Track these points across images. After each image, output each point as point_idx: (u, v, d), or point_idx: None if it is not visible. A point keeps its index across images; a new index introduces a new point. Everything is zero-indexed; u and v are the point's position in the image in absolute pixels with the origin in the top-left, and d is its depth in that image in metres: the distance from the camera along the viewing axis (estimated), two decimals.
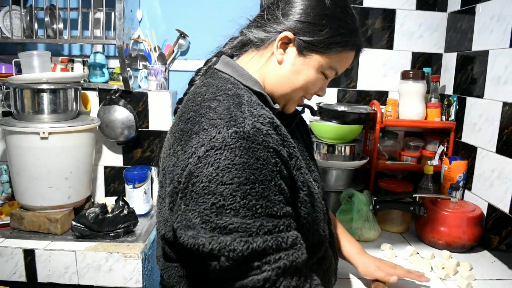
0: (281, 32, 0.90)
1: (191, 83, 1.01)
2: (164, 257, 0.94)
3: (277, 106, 0.95)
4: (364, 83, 1.97)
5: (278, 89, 0.95)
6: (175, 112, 0.99)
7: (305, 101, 1.06)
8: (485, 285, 1.30)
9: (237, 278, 0.73)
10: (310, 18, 0.89)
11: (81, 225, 1.60)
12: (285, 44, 0.91)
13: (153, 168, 1.97)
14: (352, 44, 0.94)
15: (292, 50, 0.91)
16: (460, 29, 1.80)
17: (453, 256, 1.47)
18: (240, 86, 0.90)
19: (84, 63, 1.93)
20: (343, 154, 1.78)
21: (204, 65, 1.03)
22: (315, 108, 1.75)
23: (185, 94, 1.00)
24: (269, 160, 0.76)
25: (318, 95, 1.02)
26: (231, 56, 1.00)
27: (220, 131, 0.75)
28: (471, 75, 1.70)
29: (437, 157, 1.89)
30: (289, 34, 0.90)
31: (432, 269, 1.40)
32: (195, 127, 0.79)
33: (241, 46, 0.99)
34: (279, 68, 0.93)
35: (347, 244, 1.27)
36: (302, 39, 0.89)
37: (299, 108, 1.11)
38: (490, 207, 1.55)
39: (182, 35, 1.97)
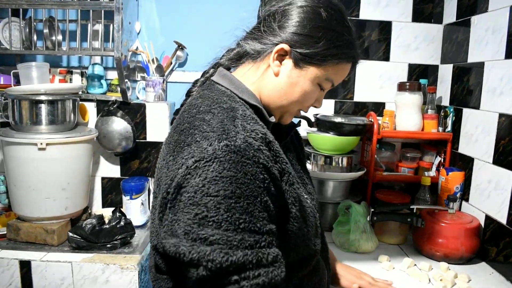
0: (277, 44, 0.90)
1: (188, 94, 1.02)
2: (155, 268, 0.93)
3: (272, 119, 0.95)
4: (361, 94, 1.98)
5: (274, 101, 0.95)
6: (171, 123, 0.99)
7: (302, 113, 1.06)
8: None
9: None
10: (306, 30, 0.89)
11: (78, 236, 1.60)
12: (281, 56, 0.92)
13: (150, 179, 1.97)
14: (348, 56, 0.94)
15: (288, 62, 0.91)
16: (455, 41, 1.82)
17: (451, 268, 1.46)
18: (235, 99, 0.90)
19: (82, 74, 1.95)
20: (340, 165, 1.78)
21: (201, 76, 1.03)
22: (312, 119, 1.76)
23: (182, 105, 1.00)
24: (257, 175, 0.76)
25: (315, 107, 1.02)
26: (228, 68, 1.01)
27: (211, 144, 0.75)
28: (467, 87, 1.72)
29: (434, 168, 1.89)
30: (286, 47, 0.90)
31: (430, 281, 1.39)
32: (188, 138, 0.80)
33: (237, 58, 0.99)
34: (275, 80, 0.93)
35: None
36: (298, 51, 0.89)
37: (295, 121, 1.11)
38: (488, 218, 1.55)
39: (180, 47, 1.98)
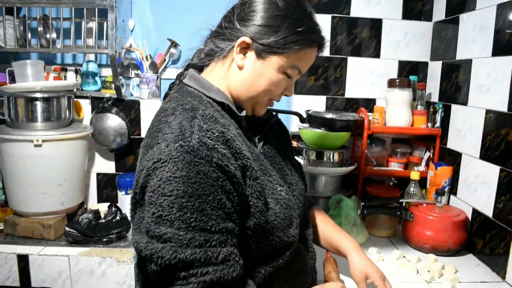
0: (239, 38, 0.92)
1: (165, 98, 1.04)
2: (138, 265, 0.98)
3: (243, 113, 0.97)
4: (352, 91, 2.01)
5: (243, 93, 0.97)
6: None
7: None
8: (470, 287, 1.34)
9: (166, 285, 0.77)
10: (265, 21, 0.91)
11: (74, 231, 1.62)
12: (244, 49, 0.93)
13: None
14: (310, 41, 0.94)
15: (251, 54, 0.93)
16: (444, 38, 1.85)
17: (438, 260, 1.50)
18: (202, 98, 0.93)
19: (76, 71, 1.96)
20: (331, 160, 1.82)
21: (176, 79, 1.06)
22: (304, 115, 1.79)
23: None
24: (210, 174, 0.78)
25: (286, 95, 1.03)
26: (201, 67, 1.03)
27: (168, 145, 0.79)
28: (456, 83, 1.75)
29: (423, 163, 1.93)
30: (247, 39, 0.91)
31: (418, 272, 1.43)
32: (152, 141, 0.84)
33: (206, 57, 1.01)
34: (240, 73, 0.95)
35: (344, 241, 1.21)
36: (259, 42, 0.91)
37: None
38: (475, 211, 1.59)
39: (174, 44, 2.00)
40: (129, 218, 0.99)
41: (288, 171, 1.09)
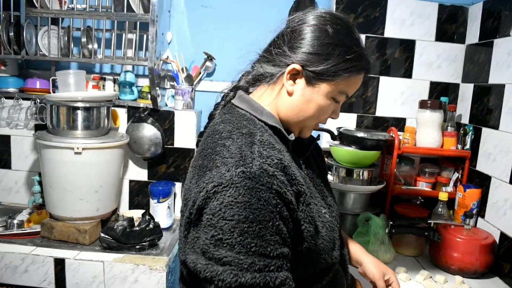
0: (289, 65, 0.94)
1: (211, 117, 1.07)
2: (182, 280, 1.00)
3: (292, 137, 1.00)
4: (383, 109, 2.04)
5: (292, 118, 0.99)
6: (197, 145, 1.04)
7: (326, 126, 1.10)
8: None
9: None
10: (315, 49, 0.92)
11: (109, 237, 1.67)
12: (294, 75, 0.95)
13: (176, 184, 2.05)
14: (359, 68, 0.96)
15: (301, 81, 0.95)
16: (477, 62, 1.87)
17: (465, 282, 1.52)
18: (255, 122, 0.95)
19: (114, 81, 2.03)
20: (361, 178, 1.84)
21: (222, 99, 1.09)
22: (335, 132, 1.82)
23: (205, 128, 1.05)
24: (270, 201, 0.80)
25: (332, 118, 1.05)
26: (246, 90, 1.05)
27: (229, 169, 0.81)
28: (487, 106, 1.77)
29: (451, 184, 1.94)
30: (297, 66, 0.93)
31: None
32: (210, 163, 0.85)
33: (254, 80, 1.03)
34: (290, 99, 0.97)
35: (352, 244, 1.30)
36: (309, 70, 0.93)
37: (316, 135, 1.15)
38: (503, 235, 1.60)
39: (209, 57, 2.05)
40: (179, 235, 1.00)
41: (327, 192, 1.12)
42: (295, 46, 0.94)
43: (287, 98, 0.97)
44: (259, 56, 1.04)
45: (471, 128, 1.83)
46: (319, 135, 1.26)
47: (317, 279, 0.96)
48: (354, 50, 0.94)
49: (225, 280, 0.76)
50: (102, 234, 1.69)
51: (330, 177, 1.86)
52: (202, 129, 2.13)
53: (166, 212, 1.95)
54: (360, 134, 1.81)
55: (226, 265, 0.77)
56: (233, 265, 0.77)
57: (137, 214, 1.88)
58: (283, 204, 0.83)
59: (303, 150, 1.09)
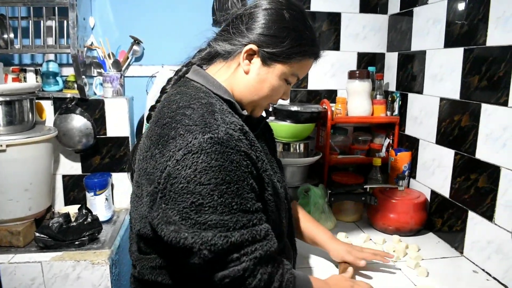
0: (246, 45, 0.99)
1: (163, 91, 1.09)
2: (138, 250, 1.01)
3: (245, 112, 1.04)
4: (314, 83, 2.08)
5: (246, 96, 1.03)
6: (148, 118, 1.06)
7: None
8: (432, 263, 1.44)
9: (218, 269, 0.81)
10: (272, 31, 0.98)
11: (45, 236, 1.60)
12: (250, 55, 1.00)
13: (112, 174, 1.99)
14: (311, 52, 1.03)
15: (257, 60, 1.00)
16: (400, 31, 1.95)
17: (402, 240, 1.59)
18: (211, 95, 0.98)
19: (36, 72, 1.91)
20: (298, 151, 1.88)
21: (175, 74, 1.11)
22: (270, 108, 1.83)
23: (157, 101, 1.07)
24: (242, 162, 0.85)
25: (283, 99, 1.11)
26: (200, 67, 1.08)
27: (196, 137, 0.82)
28: (411, 73, 1.85)
29: (384, 149, 2.03)
30: (254, 47, 0.98)
31: None
32: (171, 132, 0.86)
33: (209, 57, 1.07)
34: (245, 77, 1.01)
35: (319, 232, 1.38)
36: (265, 51, 0.98)
37: (264, 114, 1.20)
38: (433, 193, 1.70)
39: (136, 41, 1.99)
40: (133, 207, 0.99)
41: (276, 168, 1.17)
42: (252, 27, 0.99)
43: (243, 77, 1.02)
44: (216, 35, 1.08)
45: (398, 95, 1.91)
46: (268, 114, 1.28)
47: None
48: (308, 35, 1.01)
49: (217, 243, 0.78)
50: (37, 234, 1.61)
51: None
52: (135, 116, 2.08)
53: (104, 205, 1.88)
54: (294, 108, 1.84)
55: (212, 229, 0.79)
56: (219, 226, 0.80)
57: (73, 209, 1.80)
58: (252, 164, 0.88)
59: (253, 129, 1.11)
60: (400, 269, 1.38)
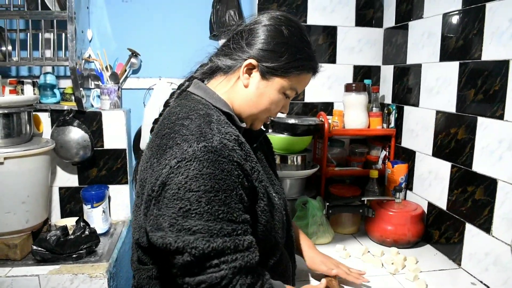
0: (246, 59, 1.02)
1: (166, 104, 1.11)
2: (138, 260, 1.03)
3: (244, 124, 1.06)
4: (311, 95, 2.09)
5: (245, 109, 1.06)
6: (151, 131, 1.09)
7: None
8: (430, 275, 1.44)
9: (196, 274, 0.82)
10: (271, 46, 1.01)
11: (42, 249, 1.59)
12: (249, 69, 1.03)
13: (109, 186, 1.98)
14: (308, 67, 1.06)
15: (256, 75, 1.03)
16: (395, 44, 1.97)
17: (400, 252, 1.60)
18: (210, 107, 1.00)
19: (34, 84, 1.91)
20: (295, 163, 1.89)
21: (177, 88, 1.14)
22: (267, 121, 1.85)
23: (160, 115, 1.09)
24: (233, 172, 0.86)
25: (282, 113, 1.13)
26: (202, 80, 1.11)
27: (191, 145, 0.85)
28: (407, 86, 1.87)
29: (380, 161, 2.04)
30: (253, 61, 1.01)
31: (382, 265, 1.52)
32: (169, 142, 0.89)
33: (210, 72, 1.10)
34: (245, 91, 1.04)
35: (302, 239, 1.42)
36: (264, 65, 1.01)
37: (263, 128, 1.22)
38: (430, 205, 1.71)
39: (134, 54, 2.00)
40: (134, 217, 1.00)
41: (275, 180, 1.19)
42: (252, 42, 1.02)
43: (242, 90, 1.04)
44: (217, 50, 1.12)
45: (394, 107, 1.93)
46: (267, 128, 1.30)
47: (263, 260, 0.98)
48: (305, 51, 1.04)
49: (198, 246, 0.80)
50: (35, 247, 1.59)
51: None
52: (132, 128, 2.08)
53: (101, 217, 1.88)
54: (291, 121, 1.85)
55: (196, 234, 0.80)
56: (203, 232, 0.81)
57: (70, 222, 1.79)
58: (244, 176, 0.89)
59: (252, 141, 1.14)
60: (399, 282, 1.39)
